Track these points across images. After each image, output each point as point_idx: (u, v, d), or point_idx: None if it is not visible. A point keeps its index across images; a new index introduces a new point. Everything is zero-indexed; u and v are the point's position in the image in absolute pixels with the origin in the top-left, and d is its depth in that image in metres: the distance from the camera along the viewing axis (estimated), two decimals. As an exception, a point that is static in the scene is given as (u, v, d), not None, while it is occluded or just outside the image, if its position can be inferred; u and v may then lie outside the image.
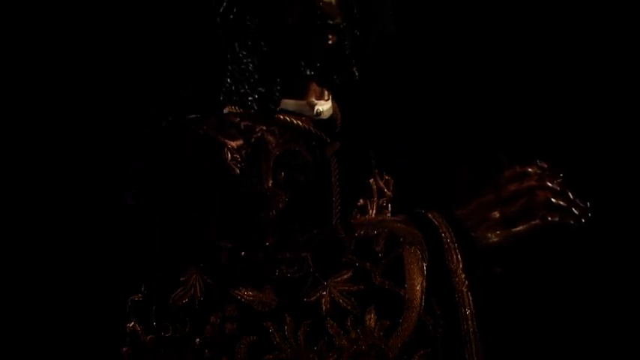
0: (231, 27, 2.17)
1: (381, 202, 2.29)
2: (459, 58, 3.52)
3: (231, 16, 2.17)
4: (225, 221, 1.89)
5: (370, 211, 2.22)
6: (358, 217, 2.17)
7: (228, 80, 2.17)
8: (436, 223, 1.88)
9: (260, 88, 2.14)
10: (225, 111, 2.18)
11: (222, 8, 2.18)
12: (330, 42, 2.12)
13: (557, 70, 3.67)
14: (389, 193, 2.33)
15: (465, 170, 3.53)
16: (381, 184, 2.31)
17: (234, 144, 2.04)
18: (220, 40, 2.19)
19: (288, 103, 2.19)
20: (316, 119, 2.21)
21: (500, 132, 3.66)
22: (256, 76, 2.15)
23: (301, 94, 2.20)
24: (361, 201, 2.21)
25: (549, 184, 1.90)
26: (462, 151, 3.57)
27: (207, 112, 2.13)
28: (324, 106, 2.22)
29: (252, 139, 2.08)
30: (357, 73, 2.17)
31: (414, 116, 3.55)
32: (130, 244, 1.99)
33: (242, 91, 2.15)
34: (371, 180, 2.28)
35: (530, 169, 1.92)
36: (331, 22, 2.12)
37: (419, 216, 1.91)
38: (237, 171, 2.00)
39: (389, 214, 2.27)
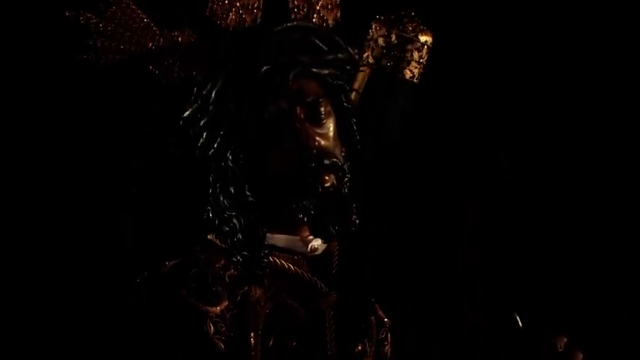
0: (211, 168, 2.00)
1: (380, 334, 2.13)
2: (458, 59, 3.51)
3: (211, 153, 1.99)
4: None
5: (369, 350, 2.06)
6: None
7: (210, 216, 2.00)
8: None
9: (245, 251, 1.97)
10: (209, 237, 2.04)
11: (200, 141, 2.00)
12: (326, 184, 1.95)
13: (557, 70, 3.66)
14: (388, 321, 2.16)
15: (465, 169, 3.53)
16: (381, 313, 2.14)
17: (217, 309, 1.88)
18: (199, 180, 2.03)
19: (278, 239, 2.02)
20: (310, 256, 2.03)
21: (500, 131, 3.66)
22: (240, 236, 1.97)
23: (293, 228, 2.02)
24: (359, 347, 2.05)
25: None
26: (463, 150, 3.56)
27: (187, 247, 2.00)
28: (319, 241, 2.03)
29: (238, 297, 1.91)
30: (357, 221, 2.00)
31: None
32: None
33: (227, 240, 1.98)
34: (371, 317, 2.11)
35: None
36: (327, 162, 1.96)
37: None
38: (222, 346, 1.86)
39: (388, 346, 2.14)
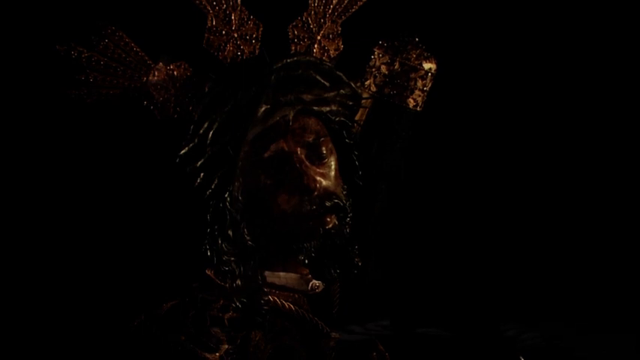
0: (209, 208, 1.96)
1: None
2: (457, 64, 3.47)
3: (209, 193, 1.95)
4: None
5: None
6: None
7: (208, 255, 1.96)
8: None
9: (244, 298, 1.93)
10: (207, 272, 1.99)
11: (197, 181, 1.96)
12: (328, 226, 1.92)
13: (557, 70, 3.63)
14: (388, 355, 2.08)
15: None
16: (381, 347, 2.08)
17: (217, 355, 1.84)
18: (197, 217, 1.98)
19: (278, 277, 1.98)
20: (311, 294, 1.99)
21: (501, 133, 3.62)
22: (239, 282, 1.93)
23: (293, 266, 1.98)
24: None
25: None
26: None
27: (185, 283, 1.97)
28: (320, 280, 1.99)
29: (238, 340, 1.88)
30: (359, 263, 1.96)
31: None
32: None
33: (226, 282, 1.95)
34: (373, 354, 2.06)
35: None
36: (329, 204, 1.92)
37: None
38: None
39: None
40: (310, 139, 1.94)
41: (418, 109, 2.18)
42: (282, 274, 1.99)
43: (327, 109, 1.97)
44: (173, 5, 2.40)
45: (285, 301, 1.96)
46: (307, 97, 1.94)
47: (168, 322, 1.89)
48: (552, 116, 3.60)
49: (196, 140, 1.93)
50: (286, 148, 1.93)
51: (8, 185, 3.13)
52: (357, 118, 2.13)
